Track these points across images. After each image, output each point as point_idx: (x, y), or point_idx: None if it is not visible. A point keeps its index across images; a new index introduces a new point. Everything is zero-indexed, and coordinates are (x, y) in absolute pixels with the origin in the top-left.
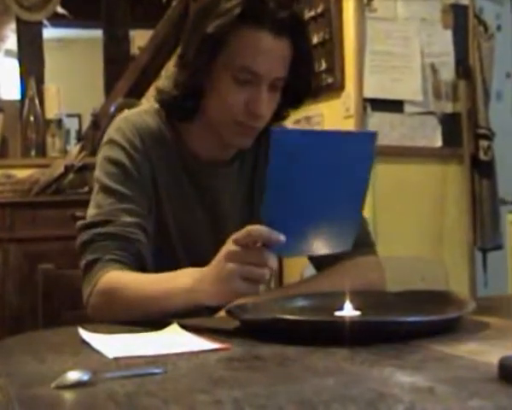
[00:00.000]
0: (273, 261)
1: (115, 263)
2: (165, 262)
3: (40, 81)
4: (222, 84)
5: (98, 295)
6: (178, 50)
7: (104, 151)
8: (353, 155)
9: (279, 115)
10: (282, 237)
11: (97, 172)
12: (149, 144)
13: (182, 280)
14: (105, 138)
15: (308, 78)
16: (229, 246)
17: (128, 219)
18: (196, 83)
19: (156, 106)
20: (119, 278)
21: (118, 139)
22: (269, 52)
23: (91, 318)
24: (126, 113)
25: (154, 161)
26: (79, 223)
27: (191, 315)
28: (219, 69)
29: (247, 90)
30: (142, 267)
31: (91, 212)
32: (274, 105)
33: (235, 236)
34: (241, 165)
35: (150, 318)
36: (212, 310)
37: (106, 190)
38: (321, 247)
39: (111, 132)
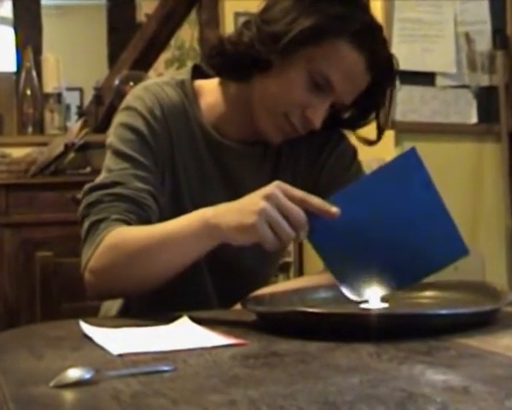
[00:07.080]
0: (304, 231)
1: (122, 223)
2: None
3: (38, 52)
4: (294, 74)
5: (99, 257)
6: (263, 8)
7: (120, 117)
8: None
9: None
10: (337, 212)
11: (111, 138)
12: (170, 117)
13: (201, 211)
14: (122, 105)
15: (355, 123)
16: (273, 188)
17: (140, 185)
18: (269, 56)
19: (177, 78)
20: (123, 232)
21: (137, 106)
22: (355, 76)
23: (88, 287)
24: (145, 83)
25: (174, 136)
26: (86, 186)
27: (203, 308)
28: (299, 58)
29: (313, 95)
30: None
31: (101, 176)
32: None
33: (285, 184)
34: (265, 149)
35: (159, 275)
36: (225, 304)
37: (119, 154)
38: (350, 279)
39: (130, 100)
